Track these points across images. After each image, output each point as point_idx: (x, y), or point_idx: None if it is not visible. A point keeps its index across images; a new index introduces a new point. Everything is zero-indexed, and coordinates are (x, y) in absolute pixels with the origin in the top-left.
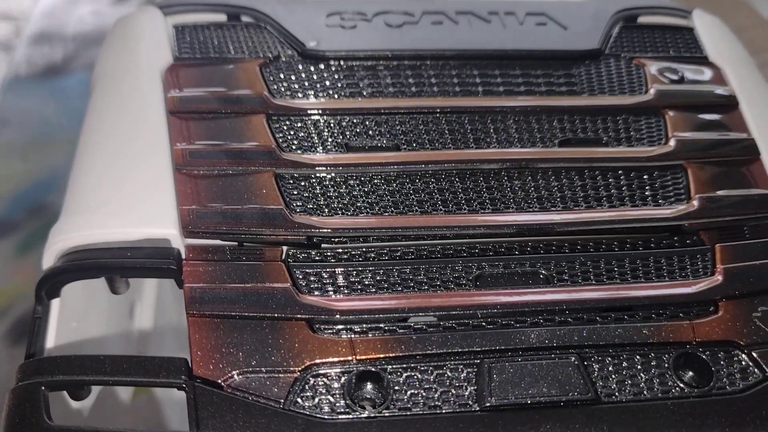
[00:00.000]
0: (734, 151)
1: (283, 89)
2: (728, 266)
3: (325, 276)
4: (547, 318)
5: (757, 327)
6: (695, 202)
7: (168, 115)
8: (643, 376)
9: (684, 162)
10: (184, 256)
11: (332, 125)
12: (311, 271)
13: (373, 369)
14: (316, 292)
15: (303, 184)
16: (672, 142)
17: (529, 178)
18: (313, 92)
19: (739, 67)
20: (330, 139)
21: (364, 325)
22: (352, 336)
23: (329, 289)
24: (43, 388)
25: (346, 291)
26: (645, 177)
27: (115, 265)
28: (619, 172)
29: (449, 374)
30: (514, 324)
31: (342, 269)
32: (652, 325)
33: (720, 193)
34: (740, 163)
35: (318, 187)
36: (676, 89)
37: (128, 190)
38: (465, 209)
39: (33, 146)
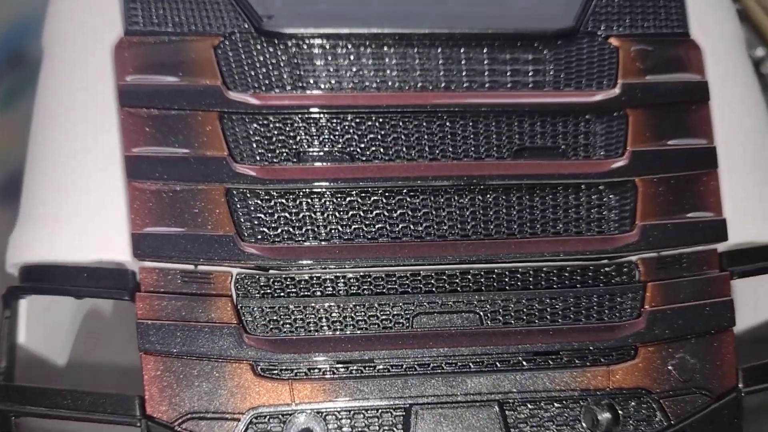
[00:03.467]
0: (691, 164)
1: (237, 79)
2: (654, 309)
3: (270, 312)
4: (476, 362)
5: (670, 374)
6: (637, 231)
7: (119, 108)
8: (555, 424)
9: (636, 178)
10: (138, 278)
11: (285, 128)
12: (257, 306)
13: (310, 414)
14: (260, 332)
15: (254, 202)
16: (628, 156)
17: (479, 198)
18: (267, 83)
19: (721, 48)
20: (282, 147)
21: (303, 369)
22: (292, 380)
23: (273, 327)
24: (13, 417)
25: (289, 330)
26: (594, 197)
27: (72, 291)
28: (569, 190)
29: (379, 420)
30: (444, 368)
31: (286, 305)
32: (571, 370)
33: (664, 221)
34: (694, 179)
35: (267, 208)
36: (644, 84)
37: (81, 203)
38: (411, 235)
39: None
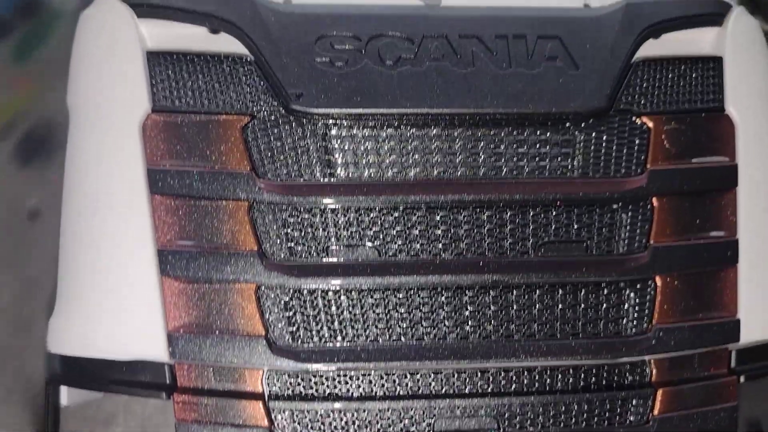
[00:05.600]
0: (712, 259)
1: (267, 164)
2: (663, 416)
3: (299, 414)
4: None
5: None
6: (653, 333)
7: (149, 195)
8: None
9: (657, 276)
10: (175, 372)
11: (314, 220)
12: (287, 408)
13: None
14: None
15: (284, 301)
16: (650, 251)
17: (501, 297)
18: (296, 170)
19: (755, 122)
20: (311, 240)
21: None
22: None
23: (302, 429)
24: None
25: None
26: (614, 296)
27: (111, 389)
28: (590, 288)
29: None
30: None
31: (314, 409)
32: None
33: (680, 322)
34: (713, 276)
35: (298, 307)
36: (673, 170)
37: (116, 297)
38: (434, 336)
39: None
